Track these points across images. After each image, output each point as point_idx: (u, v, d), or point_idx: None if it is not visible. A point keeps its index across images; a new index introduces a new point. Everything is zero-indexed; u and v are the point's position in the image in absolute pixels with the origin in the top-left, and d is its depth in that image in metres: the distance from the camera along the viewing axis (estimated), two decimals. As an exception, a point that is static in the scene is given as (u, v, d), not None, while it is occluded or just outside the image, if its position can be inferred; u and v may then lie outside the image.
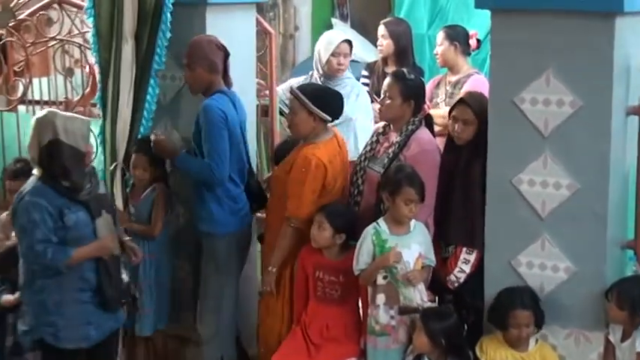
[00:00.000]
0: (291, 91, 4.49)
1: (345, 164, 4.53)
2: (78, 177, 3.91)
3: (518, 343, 3.96)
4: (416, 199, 4.06)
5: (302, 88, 4.52)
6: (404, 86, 4.39)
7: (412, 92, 4.41)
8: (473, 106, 4.19)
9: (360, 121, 5.27)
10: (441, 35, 5.52)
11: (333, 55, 5.27)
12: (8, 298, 4.49)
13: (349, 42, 5.35)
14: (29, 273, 3.96)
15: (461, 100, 4.32)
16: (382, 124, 4.58)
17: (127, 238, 4.31)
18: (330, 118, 4.45)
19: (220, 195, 4.50)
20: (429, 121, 4.51)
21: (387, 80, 4.47)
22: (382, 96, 4.48)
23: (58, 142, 3.87)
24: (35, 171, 3.98)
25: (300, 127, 4.43)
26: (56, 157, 3.87)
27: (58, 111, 4.13)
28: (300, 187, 4.32)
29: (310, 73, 5.42)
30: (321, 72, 5.31)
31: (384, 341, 4.14)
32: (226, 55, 4.53)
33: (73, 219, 3.89)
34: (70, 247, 3.89)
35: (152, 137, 4.56)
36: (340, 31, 5.76)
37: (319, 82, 5.17)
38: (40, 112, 4.06)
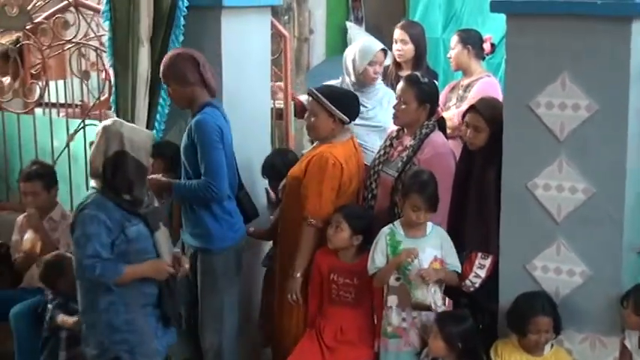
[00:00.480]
0: (311, 93, 4.50)
1: (360, 166, 4.54)
2: (139, 191, 3.84)
3: (536, 349, 3.95)
4: (423, 207, 4.05)
5: (321, 90, 4.51)
6: (419, 90, 4.39)
7: (427, 96, 4.42)
8: (483, 113, 4.18)
9: (392, 128, 5.26)
10: (454, 39, 5.53)
11: (370, 64, 5.15)
12: (66, 320, 4.48)
13: (385, 50, 5.28)
14: (89, 295, 3.87)
15: (472, 107, 4.31)
16: (396, 127, 4.58)
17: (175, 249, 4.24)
18: (348, 120, 4.45)
19: (216, 211, 4.40)
20: (442, 125, 4.51)
21: (401, 85, 4.47)
22: (396, 101, 4.48)
23: (124, 153, 3.79)
24: (94, 183, 3.89)
25: (320, 129, 4.44)
26: (121, 169, 3.78)
27: (124, 121, 4.04)
28: (319, 185, 4.33)
29: (340, 78, 5.35)
30: (354, 79, 5.20)
31: (395, 343, 4.15)
32: (197, 64, 4.38)
33: (135, 231, 3.82)
34: (123, 264, 3.81)
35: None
36: (374, 39, 5.67)
37: (351, 89, 5.11)
38: (108, 121, 3.95)
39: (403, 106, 4.41)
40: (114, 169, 3.80)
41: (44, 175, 5.21)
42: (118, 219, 3.80)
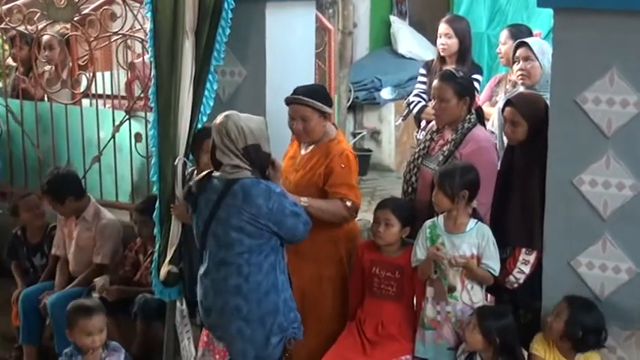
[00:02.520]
0: (295, 100, 4.38)
1: None
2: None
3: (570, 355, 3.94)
4: (438, 197, 4.06)
5: (302, 92, 4.40)
6: (456, 85, 4.38)
7: (465, 89, 4.41)
8: (519, 107, 4.16)
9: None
10: (505, 34, 5.48)
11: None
12: None
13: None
14: (251, 282, 3.89)
15: (508, 101, 4.30)
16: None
17: None
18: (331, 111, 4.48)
19: None
20: (479, 114, 4.49)
21: (437, 84, 4.44)
22: (434, 100, 4.46)
23: (256, 147, 3.91)
24: (244, 171, 3.90)
25: (315, 131, 4.40)
26: (256, 160, 3.91)
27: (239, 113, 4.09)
28: (350, 180, 4.36)
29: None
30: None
31: (430, 335, 4.17)
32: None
33: None
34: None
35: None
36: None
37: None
38: (231, 115, 3.98)
39: (443, 104, 4.40)
40: (252, 159, 3.88)
41: (49, 192, 5.31)
42: None
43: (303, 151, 4.52)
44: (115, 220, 5.40)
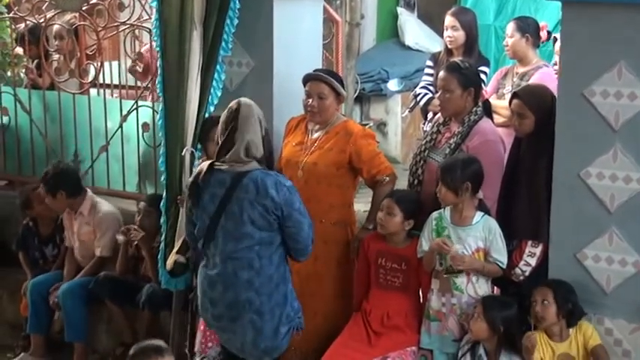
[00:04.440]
0: (315, 77, 4.49)
1: None
2: None
3: (550, 331, 3.99)
4: (442, 192, 4.08)
5: (321, 71, 4.58)
6: (461, 76, 4.38)
7: (470, 81, 4.40)
8: (526, 100, 4.16)
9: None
10: (511, 26, 5.46)
11: None
12: None
13: None
14: (263, 275, 3.93)
15: (515, 94, 4.29)
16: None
17: None
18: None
19: None
20: (487, 107, 4.49)
21: (442, 74, 4.45)
22: (439, 91, 4.47)
23: (267, 133, 4.01)
24: (252, 162, 3.92)
25: (330, 111, 4.49)
26: (267, 147, 4.00)
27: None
28: (374, 149, 4.48)
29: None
30: None
31: (436, 326, 4.18)
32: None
33: None
34: None
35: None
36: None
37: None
38: (249, 103, 4.00)
39: (447, 95, 4.39)
40: (266, 148, 3.98)
41: (44, 182, 5.35)
42: None
43: (315, 135, 4.54)
44: (112, 212, 5.41)
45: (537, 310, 3.96)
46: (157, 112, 4.99)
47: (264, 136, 3.96)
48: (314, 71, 4.54)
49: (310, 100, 4.45)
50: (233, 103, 3.99)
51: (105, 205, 5.42)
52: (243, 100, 4.00)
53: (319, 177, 4.44)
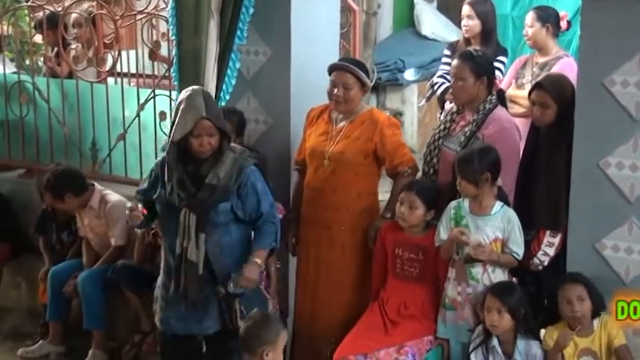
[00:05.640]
0: (341, 67, 4.48)
1: None
2: None
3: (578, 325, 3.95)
4: (462, 185, 4.06)
5: (347, 61, 4.62)
6: (474, 64, 4.36)
7: (483, 69, 4.39)
8: (549, 90, 4.15)
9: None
10: (531, 16, 5.44)
11: None
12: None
13: None
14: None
15: (537, 84, 4.27)
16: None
17: None
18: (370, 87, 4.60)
19: None
20: (501, 96, 4.48)
21: (455, 62, 4.44)
22: (452, 79, 4.45)
23: None
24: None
25: (355, 101, 4.49)
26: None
27: None
28: (399, 140, 4.49)
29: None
30: None
31: (452, 315, 4.18)
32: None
33: None
34: None
35: None
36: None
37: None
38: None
39: (460, 83, 4.38)
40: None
41: (48, 189, 5.32)
42: None
43: (340, 124, 4.54)
44: (120, 200, 5.40)
45: (576, 308, 3.89)
46: (174, 101, 4.99)
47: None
48: (340, 60, 4.55)
49: (335, 90, 4.45)
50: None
51: (113, 196, 5.43)
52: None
53: (346, 166, 4.46)
